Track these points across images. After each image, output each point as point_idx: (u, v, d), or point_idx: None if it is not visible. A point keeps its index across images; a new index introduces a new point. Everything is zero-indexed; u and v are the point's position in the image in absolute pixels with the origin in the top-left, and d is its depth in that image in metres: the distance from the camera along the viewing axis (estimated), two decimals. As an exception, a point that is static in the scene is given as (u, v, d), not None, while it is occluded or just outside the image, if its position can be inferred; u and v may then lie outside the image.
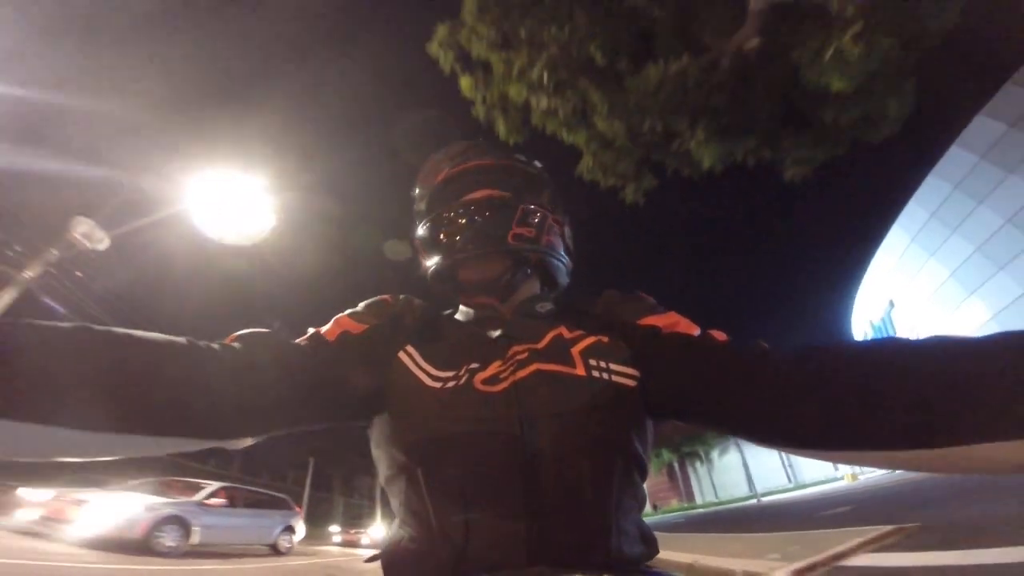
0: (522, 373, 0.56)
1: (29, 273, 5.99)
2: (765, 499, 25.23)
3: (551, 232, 0.70)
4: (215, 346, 0.50)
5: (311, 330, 0.62)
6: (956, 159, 15.84)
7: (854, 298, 24.87)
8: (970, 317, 16.31)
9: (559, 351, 0.59)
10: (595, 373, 0.56)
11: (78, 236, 5.90)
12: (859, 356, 0.44)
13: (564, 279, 0.76)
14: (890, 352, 0.42)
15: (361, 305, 0.68)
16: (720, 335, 0.58)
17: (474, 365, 0.57)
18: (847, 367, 0.43)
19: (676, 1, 4.69)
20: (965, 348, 0.38)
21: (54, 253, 5.93)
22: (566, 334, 0.62)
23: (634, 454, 0.56)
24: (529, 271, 0.70)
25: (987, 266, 15.47)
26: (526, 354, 0.58)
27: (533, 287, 0.73)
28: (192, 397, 0.44)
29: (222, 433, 0.47)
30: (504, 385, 0.55)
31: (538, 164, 0.80)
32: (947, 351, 0.38)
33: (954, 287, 16.97)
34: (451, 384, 0.56)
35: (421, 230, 0.72)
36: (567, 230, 0.75)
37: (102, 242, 6.03)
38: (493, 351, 0.60)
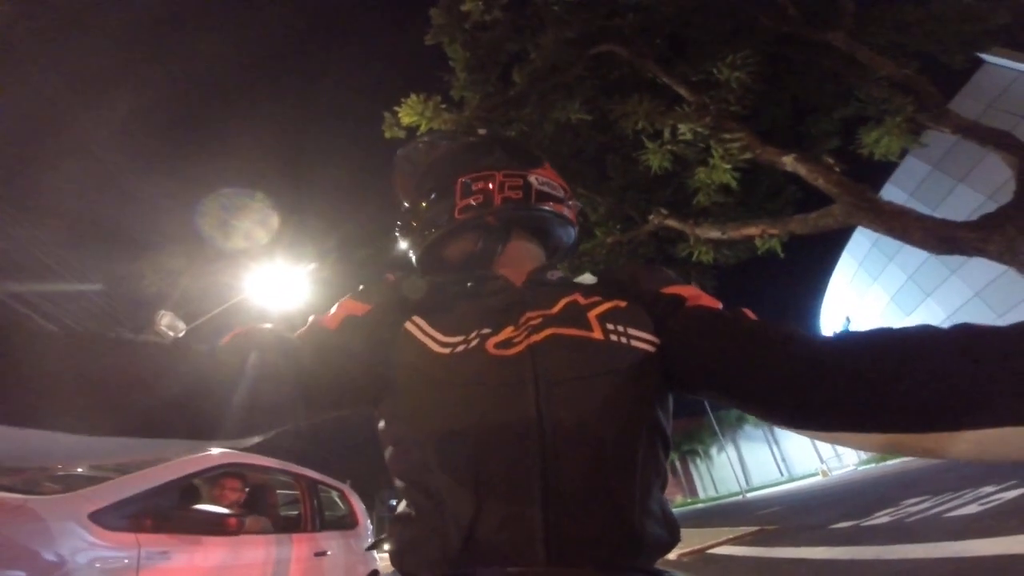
0: (536, 337, 0.53)
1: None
2: (750, 495, 27.43)
3: (505, 189, 0.69)
4: (208, 347, 0.50)
5: (312, 318, 0.61)
6: (890, 195, 18.04)
7: (819, 314, 27.39)
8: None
9: (575, 315, 0.57)
10: (613, 337, 0.54)
11: (163, 327, 7.01)
12: (892, 341, 0.42)
13: (558, 230, 0.74)
14: (924, 338, 0.40)
15: (363, 286, 0.66)
16: (750, 313, 0.55)
17: (486, 330, 0.55)
18: (877, 350, 0.42)
19: (612, 194, 7.23)
20: (1002, 334, 0.36)
21: (146, 344, 7.44)
22: (581, 300, 0.59)
23: (658, 424, 0.53)
24: (503, 233, 0.70)
25: (917, 293, 18.00)
26: (540, 319, 0.56)
27: (531, 252, 0.72)
28: (190, 398, 0.44)
29: (226, 432, 0.46)
30: (518, 348, 0.52)
31: (482, 131, 0.80)
32: (982, 337, 0.37)
33: (894, 309, 19.51)
34: (460, 348, 0.54)
35: (398, 234, 0.75)
36: (536, 178, 0.71)
37: (182, 331, 7.23)
38: (505, 317, 0.57)
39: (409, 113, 5.90)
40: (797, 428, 0.46)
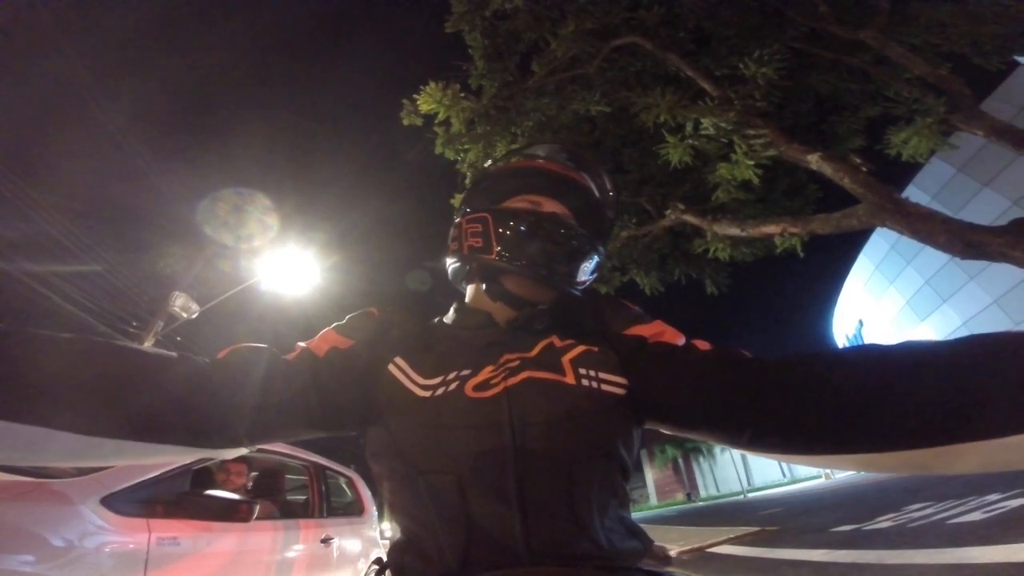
0: (513, 380, 0.56)
1: (147, 344, 6.71)
2: (752, 495, 27.38)
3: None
4: (207, 360, 0.52)
5: (300, 345, 0.63)
6: (912, 198, 17.80)
7: (832, 315, 27.11)
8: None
9: (550, 359, 0.60)
10: (585, 382, 0.57)
11: (177, 308, 7.21)
12: (844, 361, 0.43)
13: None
14: (876, 356, 0.42)
15: (347, 319, 0.68)
16: (703, 344, 0.59)
17: (465, 372, 0.58)
18: (833, 371, 0.43)
19: (628, 188, 7.13)
20: (941, 350, 0.38)
21: (160, 324, 7.21)
22: (557, 343, 0.63)
23: (619, 458, 0.56)
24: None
25: (934, 298, 17.71)
26: (517, 362, 0.59)
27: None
28: (184, 407, 0.46)
29: (213, 442, 0.49)
30: (495, 391, 0.56)
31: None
32: (929, 353, 0.38)
33: (909, 313, 19.23)
34: (440, 391, 0.56)
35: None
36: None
37: (195, 313, 7.47)
38: (485, 357, 0.61)
39: (428, 101, 5.85)
40: (758, 451, 0.49)
